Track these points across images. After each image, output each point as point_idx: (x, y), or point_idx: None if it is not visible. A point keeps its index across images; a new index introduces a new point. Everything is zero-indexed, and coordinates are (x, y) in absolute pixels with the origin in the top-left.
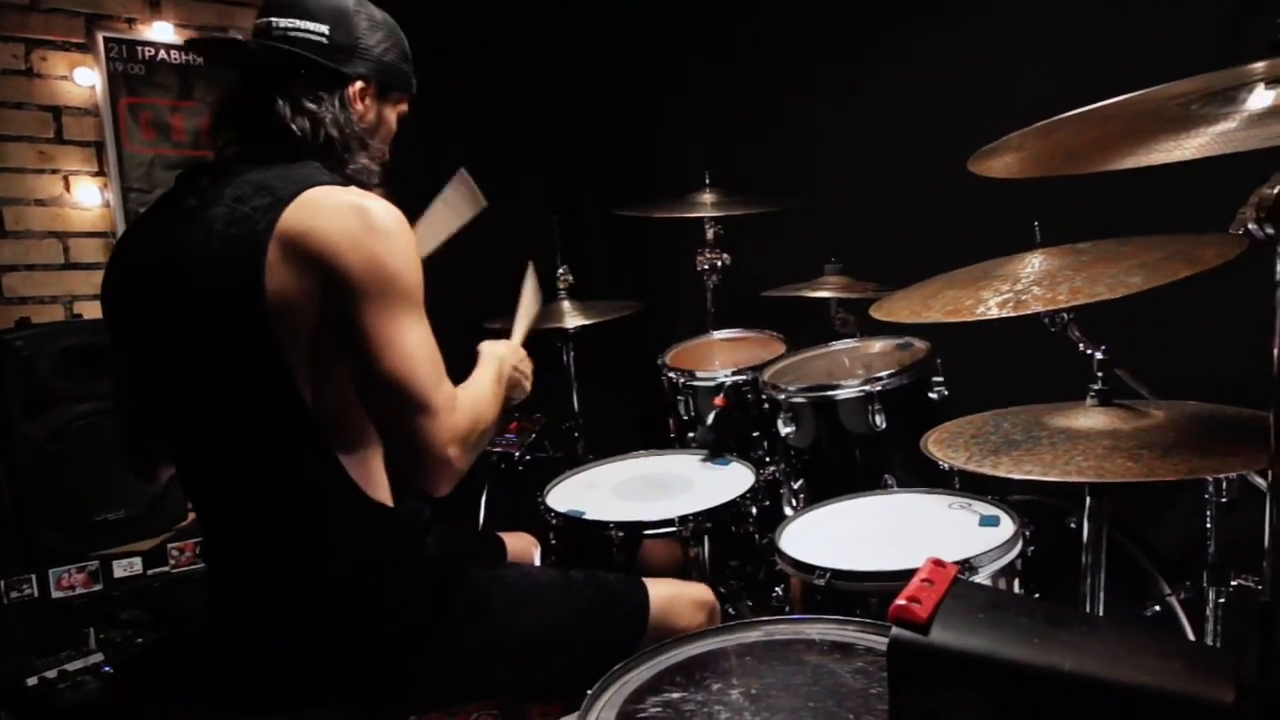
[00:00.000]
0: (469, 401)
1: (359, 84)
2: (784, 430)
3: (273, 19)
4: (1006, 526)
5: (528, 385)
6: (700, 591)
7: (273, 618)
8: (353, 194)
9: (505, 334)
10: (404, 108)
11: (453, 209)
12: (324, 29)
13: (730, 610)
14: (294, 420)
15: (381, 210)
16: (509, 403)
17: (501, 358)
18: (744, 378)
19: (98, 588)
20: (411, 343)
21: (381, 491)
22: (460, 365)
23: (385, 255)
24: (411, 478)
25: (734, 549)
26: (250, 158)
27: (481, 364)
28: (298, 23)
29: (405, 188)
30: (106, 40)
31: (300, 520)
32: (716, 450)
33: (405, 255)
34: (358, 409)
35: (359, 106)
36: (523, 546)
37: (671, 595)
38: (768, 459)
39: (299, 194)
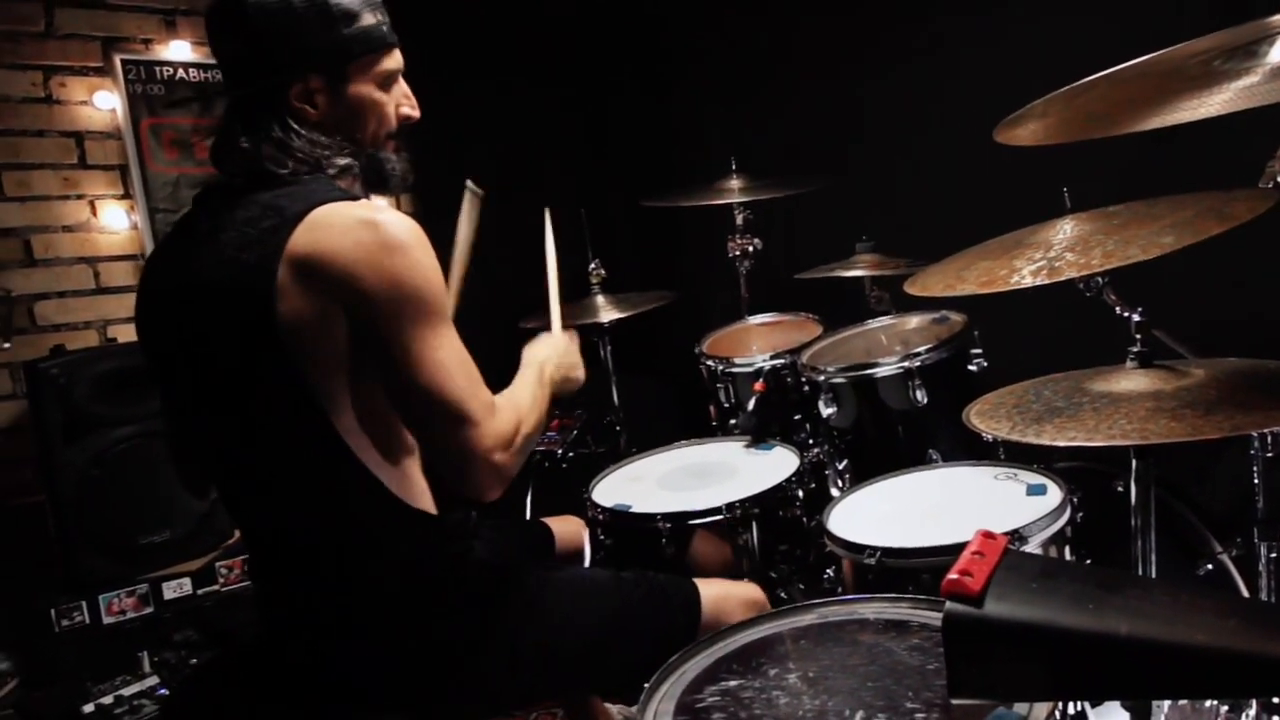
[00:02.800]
0: (510, 406)
1: (298, 87)
2: (825, 411)
3: (214, 47)
4: (1054, 494)
5: (578, 374)
6: (749, 590)
7: (324, 634)
8: (362, 209)
9: (546, 328)
10: (387, 64)
11: (468, 219)
12: (238, 48)
13: (782, 594)
14: (322, 439)
15: (394, 224)
16: (562, 396)
17: (543, 359)
18: (782, 361)
19: (149, 610)
20: (442, 355)
21: (424, 500)
22: (499, 368)
23: (404, 271)
24: (460, 487)
25: (782, 533)
26: (259, 179)
27: (522, 369)
28: (224, 49)
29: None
30: (124, 62)
31: (342, 537)
32: (759, 435)
33: (424, 268)
34: (390, 422)
35: (310, 108)
36: (571, 530)
37: (721, 594)
38: (811, 441)
39: (306, 213)
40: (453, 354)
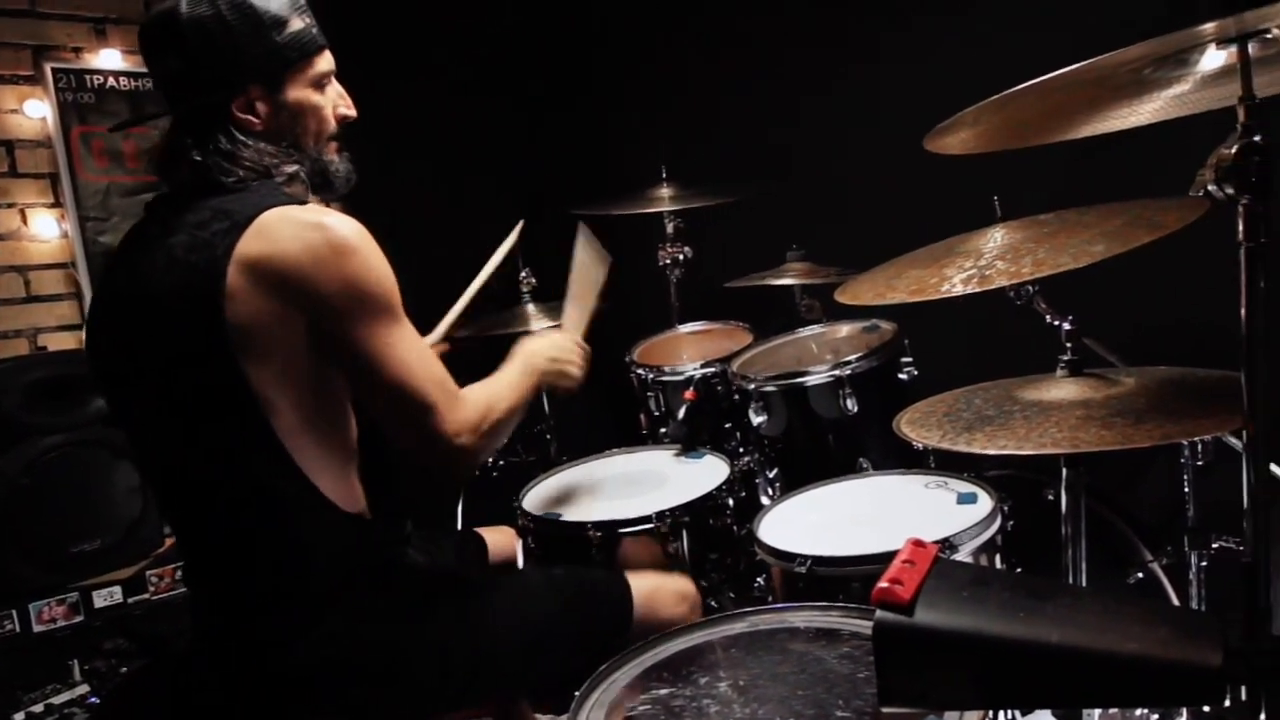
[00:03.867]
0: (480, 392)
1: (239, 100)
2: (756, 420)
3: (150, 65)
4: (984, 503)
5: (573, 371)
6: (681, 583)
7: (256, 639)
8: (310, 213)
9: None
10: (320, 66)
11: (586, 270)
12: (175, 65)
13: (713, 603)
14: (259, 441)
15: (341, 226)
16: (550, 391)
17: (531, 352)
18: (713, 370)
19: (79, 619)
20: (402, 350)
21: (358, 506)
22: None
23: (356, 272)
24: (429, 473)
25: (713, 542)
26: (208, 187)
27: (508, 360)
28: (161, 67)
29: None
30: (55, 71)
31: (277, 539)
32: (689, 444)
33: (375, 268)
34: (329, 426)
35: (254, 119)
36: (504, 540)
37: (653, 588)
38: (741, 450)
39: (255, 217)
40: (411, 347)
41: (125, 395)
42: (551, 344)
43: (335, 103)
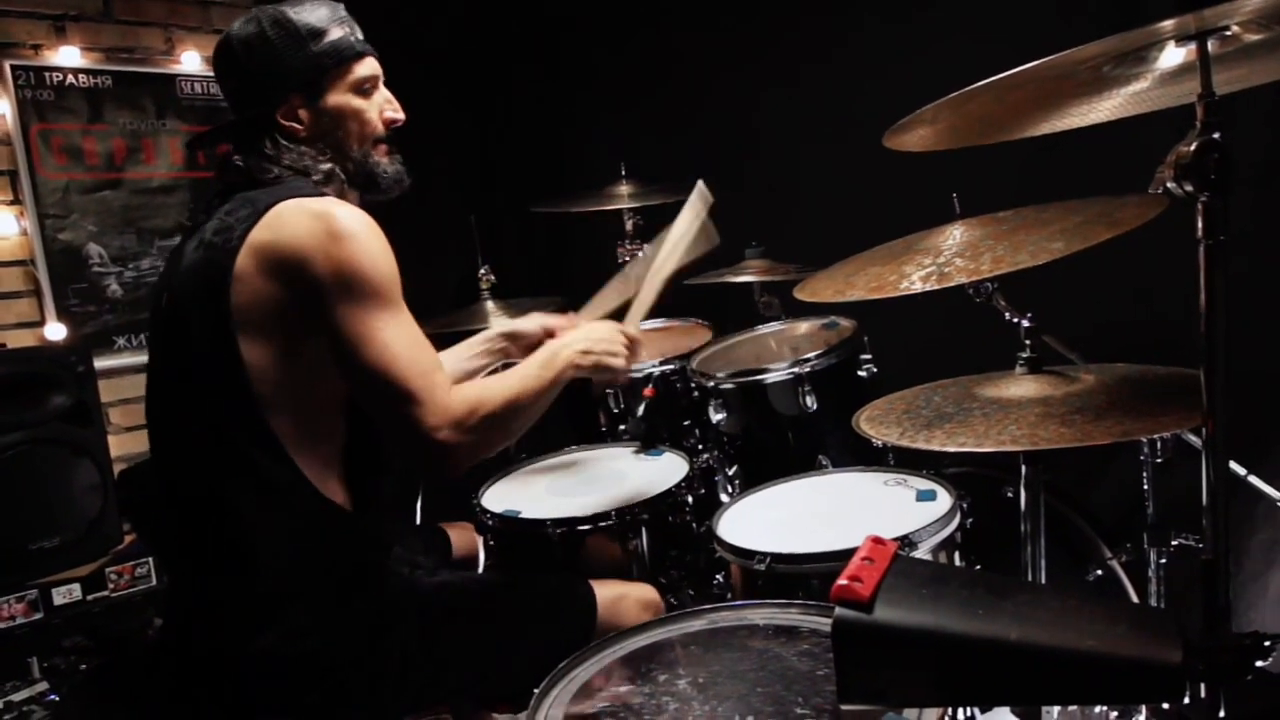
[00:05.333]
0: (474, 387)
1: (283, 108)
2: (715, 417)
3: (220, 86)
4: (944, 500)
5: (613, 361)
6: (645, 591)
7: (225, 623)
8: (318, 203)
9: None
10: (360, 72)
11: (689, 230)
12: (232, 83)
13: (672, 600)
14: (248, 420)
15: (343, 215)
16: (590, 382)
17: (561, 344)
18: (672, 367)
19: (38, 616)
20: (388, 335)
21: (340, 497)
22: None
23: (351, 257)
24: (412, 465)
25: (672, 539)
26: (250, 183)
27: (536, 351)
28: (224, 85)
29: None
30: (14, 68)
31: (257, 518)
32: (649, 441)
33: (371, 254)
34: (318, 415)
35: (297, 125)
36: (467, 536)
37: (617, 596)
38: (700, 447)
39: (273, 206)
40: (400, 334)
41: (150, 372)
42: (586, 335)
43: (381, 107)
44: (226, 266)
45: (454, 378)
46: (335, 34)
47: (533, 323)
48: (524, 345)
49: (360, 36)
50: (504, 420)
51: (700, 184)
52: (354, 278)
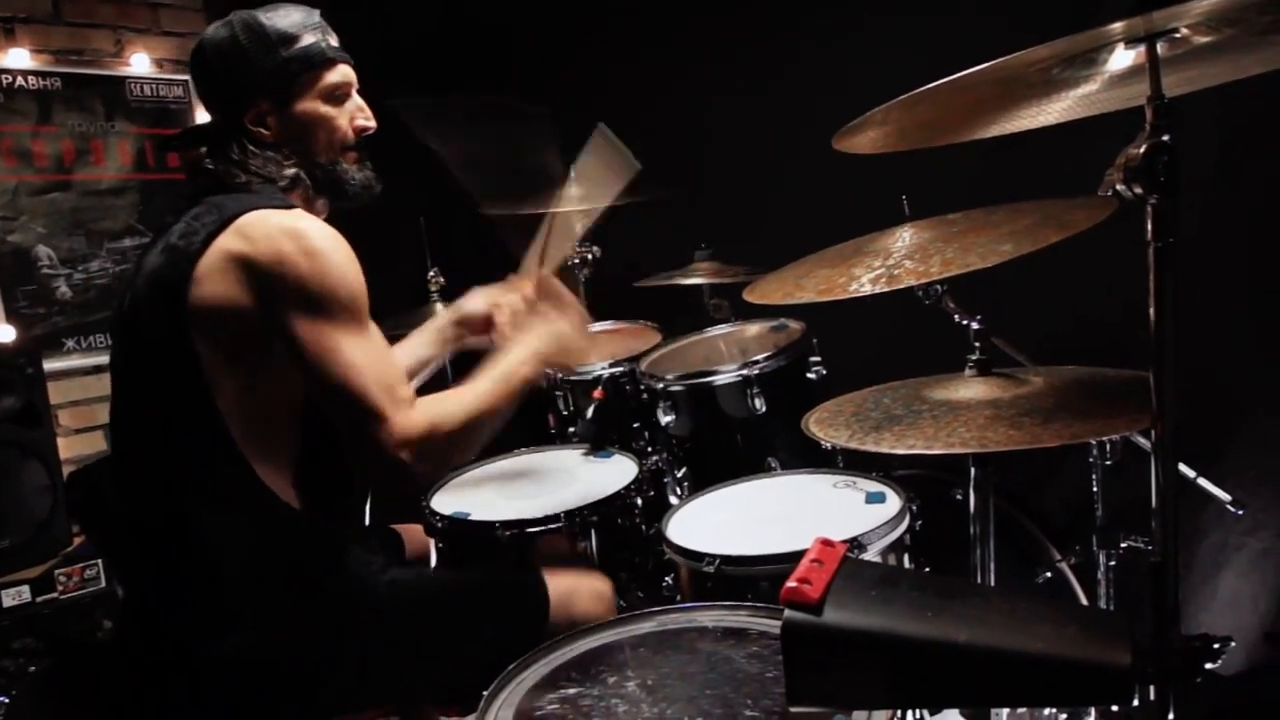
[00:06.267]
0: (434, 405)
1: (251, 113)
2: (664, 419)
3: (195, 87)
4: (893, 502)
5: (572, 353)
6: (597, 583)
7: (178, 627)
8: (289, 216)
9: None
10: (330, 79)
11: (598, 172)
12: (204, 87)
13: (621, 602)
14: (202, 419)
15: (312, 230)
16: (561, 370)
17: (517, 358)
18: (621, 369)
19: None
20: (352, 354)
21: (298, 502)
22: None
23: (318, 273)
24: (370, 483)
25: (621, 541)
26: (220, 189)
27: (492, 359)
28: (199, 89)
29: None
30: None
31: (211, 525)
32: (598, 443)
33: (340, 271)
34: (278, 421)
35: (265, 130)
36: (420, 537)
37: (569, 589)
38: (650, 449)
39: (240, 215)
40: (364, 352)
41: (112, 374)
42: (543, 335)
43: (353, 114)
44: (187, 270)
45: (409, 370)
46: (307, 40)
47: (479, 301)
48: (476, 326)
49: (334, 43)
50: (463, 438)
51: (601, 125)
52: (322, 294)
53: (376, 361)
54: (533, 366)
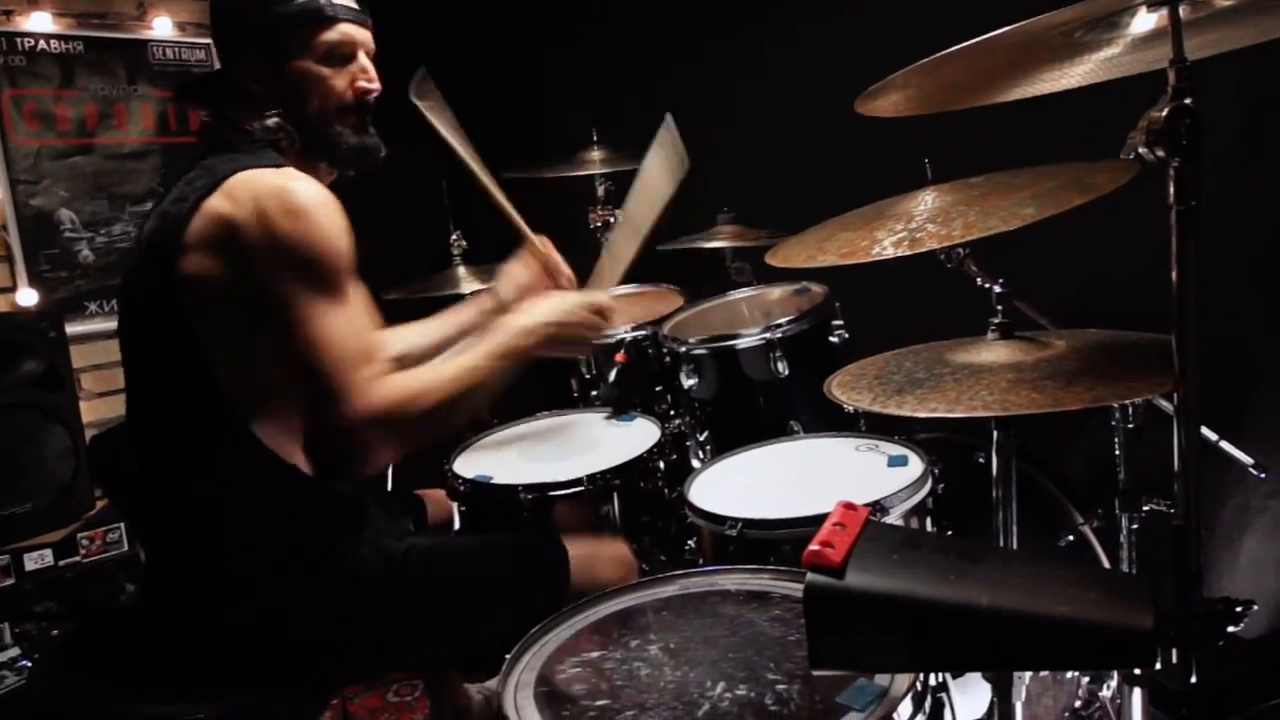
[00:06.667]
0: (413, 378)
1: (243, 67)
2: (687, 383)
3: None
4: (915, 465)
5: (582, 333)
6: (618, 549)
7: (197, 592)
8: (277, 175)
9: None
10: (328, 38)
11: (660, 171)
12: (212, 40)
13: (644, 566)
14: (202, 390)
15: (300, 190)
16: (565, 355)
17: (523, 327)
18: (644, 332)
19: (10, 582)
20: (326, 321)
21: (307, 466)
22: None
23: (301, 235)
24: (331, 457)
25: (644, 505)
26: (216, 147)
27: (494, 326)
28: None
29: None
30: None
31: (220, 492)
32: (620, 407)
33: (323, 233)
34: (279, 385)
35: (256, 86)
36: (442, 502)
37: (589, 554)
38: (672, 412)
39: (231, 175)
40: (338, 321)
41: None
42: (552, 307)
43: (354, 76)
44: (177, 235)
45: (428, 349)
46: (294, 4)
47: (510, 285)
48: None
49: (338, 3)
50: (443, 414)
51: (668, 119)
52: (299, 257)
53: (350, 333)
54: (536, 341)
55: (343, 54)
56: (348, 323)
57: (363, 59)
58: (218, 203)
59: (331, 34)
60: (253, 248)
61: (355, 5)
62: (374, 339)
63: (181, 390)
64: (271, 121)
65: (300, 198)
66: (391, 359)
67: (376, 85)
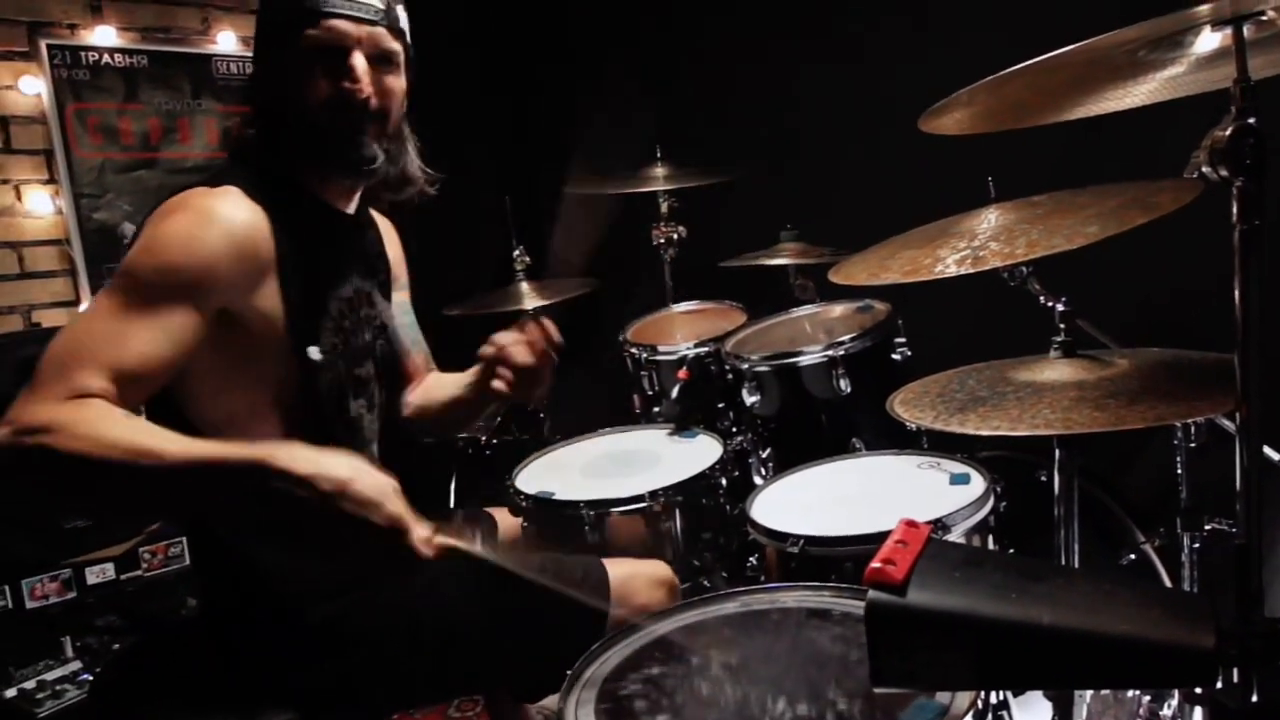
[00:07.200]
0: (84, 415)
1: (254, 66)
2: (749, 400)
3: None
4: (977, 484)
5: (381, 511)
6: (657, 568)
7: (245, 606)
8: (194, 196)
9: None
10: (316, 36)
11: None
12: None
13: (705, 583)
14: (172, 420)
15: (175, 200)
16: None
17: (270, 450)
18: (706, 349)
19: (72, 595)
20: (86, 315)
21: None
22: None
23: (142, 239)
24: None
25: (705, 521)
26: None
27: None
28: None
29: None
30: (50, 47)
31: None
32: (682, 423)
33: (155, 241)
34: (241, 410)
35: (252, 85)
36: (511, 521)
37: (628, 574)
38: (734, 429)
39: (176, 194)
40: (88, 321)
41: None
42: (351, 466)
43: (343, 79)
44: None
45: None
46: None
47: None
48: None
49: (343, 2)
50: (75, 472)
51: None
52: (132, 261)
53: (91, 336)
54: (324, 484)
55: (331, 53)
56: (99, 325)
57: (356, 60)
58: (149, 222)
59: (317, 31)
60: None
61: None
62: (106, 359)
63: (161, 416)
64: (248, 131)
65: (169, 204)
66: (114, 389)
67: (364, 92)
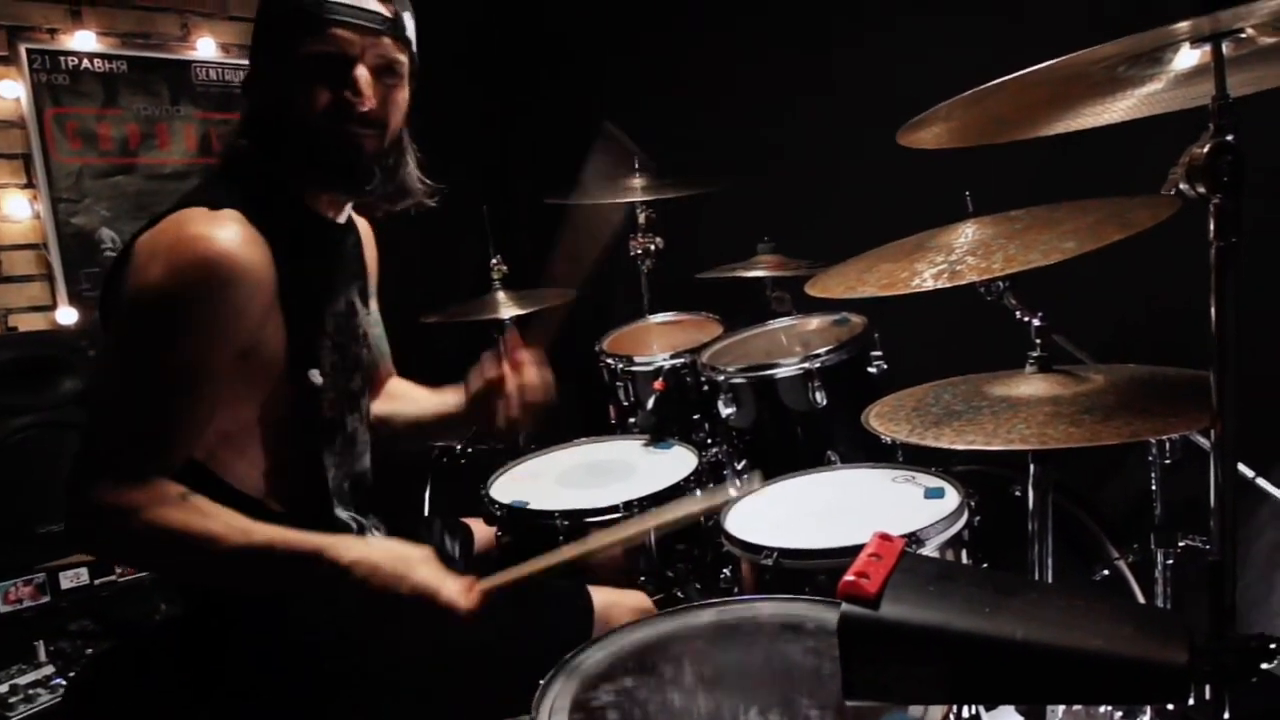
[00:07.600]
0: (171, 504)
1: (249, 74)
2: (725, 411)
3: None
4: (952, 498)
5: (429, 588)
6: (637, 599)
7: (218, 619)
8: (193, 220)
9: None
10: (317, 48)
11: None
12: None
13: (679, 594)
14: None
15: (176, 229)
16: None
17: (349, 546)
18: (682, 361)
19: (45, 599)
20: (112, 387)
21: (271, 499)
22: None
23: (135, 271)
24: (74, 518)
25: (680, 533)
26: (219, 167)
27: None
28: None
29: None
30: (29, 52)
31: None
32: (658, 434)
33: (152, 276)
34: (235, 445)
35: (252, 93)
36: (486, 532)
37: (609, 603)
38: (710, 441)
39: (164, 217)
40: (122, 390)
41: None
42: (398, 556)
43: (345, 90)
44: (107, 283)
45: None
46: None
47: (477, 378)
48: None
49: (338, 8)
50: (166, 556)
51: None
52: (126, 300)
53: (126, 405)
54: (360, 569)
55: (333, 65)
56: (134, 386)
57: (360, 71)
58: (134, 258)
59: (319, 43)
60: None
61: (366, 7)
62: (166, 425)
63: None
64: (241, 142)
65: (150, 242)
66: (174, 462)
67: (367, 104)
